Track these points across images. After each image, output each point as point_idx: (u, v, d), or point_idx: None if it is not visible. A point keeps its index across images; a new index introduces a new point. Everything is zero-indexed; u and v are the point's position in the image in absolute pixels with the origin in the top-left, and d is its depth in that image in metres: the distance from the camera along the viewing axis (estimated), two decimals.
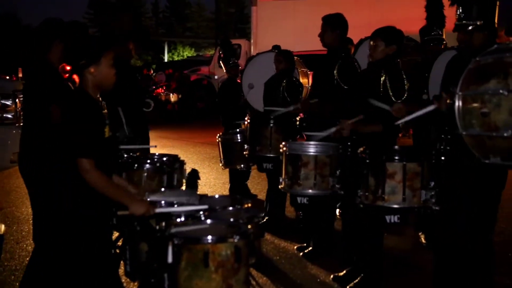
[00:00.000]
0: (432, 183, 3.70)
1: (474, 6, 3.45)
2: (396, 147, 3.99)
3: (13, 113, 6.92)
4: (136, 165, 4.33)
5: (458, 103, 2.86)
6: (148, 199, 3.39)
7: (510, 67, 2.59)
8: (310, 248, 5.27)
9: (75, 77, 3.23)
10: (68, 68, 3.61)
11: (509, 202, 7.14)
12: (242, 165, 6.45)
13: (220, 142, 6.81)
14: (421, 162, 3.70)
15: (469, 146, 2.88)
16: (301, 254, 5.27)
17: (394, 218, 3.76)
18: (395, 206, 3.71)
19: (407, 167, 3.69)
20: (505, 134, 2.55)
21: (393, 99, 4.10)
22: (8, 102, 6.99)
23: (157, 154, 4.93)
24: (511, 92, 2.50)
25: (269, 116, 5.64)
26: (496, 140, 2.62)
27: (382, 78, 4.16)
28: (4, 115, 6.88)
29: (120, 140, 4.75)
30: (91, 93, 3.22)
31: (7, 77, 14.04)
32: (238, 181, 7.22)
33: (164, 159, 4.55)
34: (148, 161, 4.41)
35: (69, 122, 3.15)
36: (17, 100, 6.88)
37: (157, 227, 3.28)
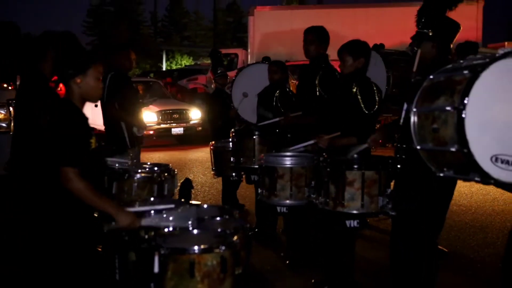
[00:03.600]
0: (389, 190, 3.89)
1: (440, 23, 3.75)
2: (355, 156, 4.14)
3: (7, 122, 6.96)
4: (126, 175, 4.35)
5: (413, 119, 2.97)
6: (133, 209, 3.39)
7: (457, 85, 2.68)
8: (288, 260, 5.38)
9: (62, 86, 3.25)
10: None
11: (500, 215, 7.26)
12: (234, 174, 6.45)
13: (212, 151, 6.86)
14: (379, 170, 3.87)
15: (424, 160, 2.98)
16: (287, 262, 5.36)
17: (354, 223, 3.95)
18: (354, 212, 3.88)
19: (366, 175, 3.85)
20: (452, 149, 2.64)
21: (365, 110, 4.25)
22: (3, 111, 7.03)
23: (148, 163, 4.96)
24: (455, 109, 2.60)
25: (253, 128, 5.73)
26: (447, 155, 2.72)
27: (354, 90, 4.30)
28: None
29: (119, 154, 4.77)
30: (77, 104, 3.23)
31: (5, 85, 14.06)
32: (229, 190, 7.24)
33: (155, 168, 4.58)
34: (139, 170, 4.43)
35: (54, 130, 3.15)
36: (11, 109, 6.92)
37: (146, 237, 3.30)
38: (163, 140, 15.41)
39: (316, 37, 5.21)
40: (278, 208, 4.53)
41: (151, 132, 14.23)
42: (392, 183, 4.00)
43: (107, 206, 3.16)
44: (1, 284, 4.59)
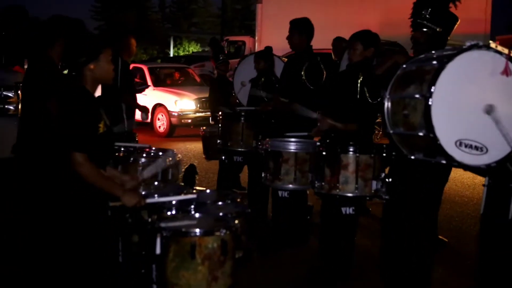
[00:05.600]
0: (383, 174, 3.98)
1: (443, 16, 3.86)
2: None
3: (15, 105, 7.03)
4: (131, 159, 4.42)
5: (387, 104, 3.15)
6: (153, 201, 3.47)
7: (426, 74, 2.85)
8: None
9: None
10: None
11: None
12: (223, 157, 6.58)
13: (202, 136, 7.03)
14: (373, 154, 3.97)
15: (397, 143, 3.14)
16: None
17: (349, 210, 4.08)
18: (349, 194, 3.98)
19: (360, 159, 3.96)
20: (420, 134, 2.83)
21: (370, 100, 4.31)
22: (10, 94, 7.10)
23: (153, 148, 5.03)
24: (423, 97, 2.79)
25: (240, 113, 5.93)
26: (416, 139, 2.91)
27: (360, 80, 4.37)
28: (6, 107, 7.00)
29: (118, 134, 4.87)
30: (90, 89, 3.31)
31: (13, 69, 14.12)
32: (229, 172, 7.30)
33: (160, 153, 4.65)
34: (144, 155, 4.50)
35: (64, 116, 3.23)
36: (19, 92, 6.99)
37: (149, 220, 3.37)
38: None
39: (299, 29, 5.36)
40: (280, 192, 4.63)
41: (189, 120, 13.78)
42: (387, 169, 4.08)
43: (114, 188, 3.25)
44: (1, 284, 4.66)
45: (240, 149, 5.91)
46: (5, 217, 6.17)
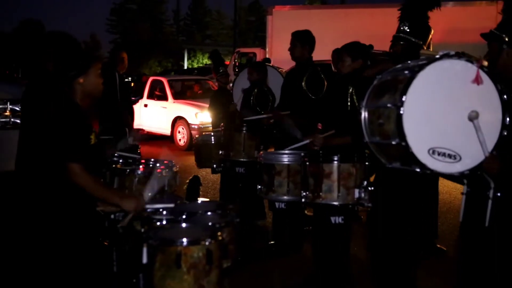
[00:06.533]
0: (365, 182, 4.04)
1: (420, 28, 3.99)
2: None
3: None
4: (128, 170, 4.49)
5: (363, 114, 3.19)
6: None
7: (399, 83, 2.88)
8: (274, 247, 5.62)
9: None
10: None
11: None
12: (214, 166, 6.73)
13: (195, 144, 7.16)
14: (354, 163, 4.04)
15: (374, 152, 3.17)
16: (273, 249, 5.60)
17: (338, 219, 4.16)
18: (333, 203, 4.05)
19: (342, 168, 4.04)
20: (393, 142, 2.86)
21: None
22: (17, 108, 7.23)
23: (152, 160, 5.11)
24: (395, 106, 2.82)
25: (243, 123, 6.03)
26: (391, 147, 2.93)
27: (349, 91, 4.43)
28: (12, 120, 7.14)
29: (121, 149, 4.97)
30: (80, 103, 3.40)
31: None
32: (231, 183, 7.36)
33: (157, 164, 4.72)
34: (140, 166, 4.57)
35: (59, 129, 3.33)
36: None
37: (142, 230, 3.44)
38: None
39: (301, 40, 5.48)
40: (277, 204, 4.71)
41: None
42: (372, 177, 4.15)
43: (112, 196, 3.35)
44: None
45: (242, 159, 5.98)
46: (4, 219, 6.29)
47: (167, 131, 14.29)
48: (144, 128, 14.96)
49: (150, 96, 15.12)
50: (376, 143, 3.11)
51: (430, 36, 4.03)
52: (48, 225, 3.45)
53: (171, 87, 14.89)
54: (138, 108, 14.68)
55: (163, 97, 14.73)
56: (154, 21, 53.14)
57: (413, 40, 3.93)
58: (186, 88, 16.10)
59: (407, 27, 3.93)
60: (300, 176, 4.41)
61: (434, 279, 4.93)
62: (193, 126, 13.45)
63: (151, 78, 15.95)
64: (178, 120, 13.97)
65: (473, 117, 2.76)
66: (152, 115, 14.83)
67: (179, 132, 13.97)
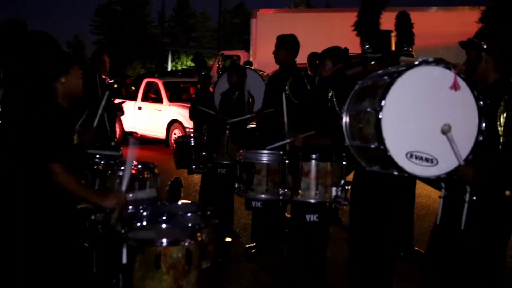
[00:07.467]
0: (342, 181, 4.13)
1: (378, 41, 4.16)
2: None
3: None
4: (109, 172, 4.50)
5: (345, 118, 3.26)
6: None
7: (378, 89, 2.95)
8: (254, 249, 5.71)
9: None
10: None
11: None
12: (193, 167, 6.75)
13: (175, 144, 7.16)
14: (332, 162, 4.14)
15: (355, 156, 3.24)
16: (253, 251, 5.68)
17: (313, 217, 4.27)
18: (310, 200, 4.14)
19: (320, 166, 4.13)
20: (372, 146, 2.92)
21: (340, 114, 4.35)
22: None
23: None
24: (374, 111, 2.88)
25: (226, 125, 6.05)
26: (370, 151, 3.00)
27: (330, 94, 4.52)
28: None
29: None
30: (61, 102, 3.42)
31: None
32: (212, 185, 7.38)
33: (138, 166, 4.73)
34: (122, 167, 4.57)
35: (39, 129, 3.33)
36: None
37: (123, 231, 3.45)
38: None
39: (285, 44, 5.54)
40: (253, 203, 4.76)
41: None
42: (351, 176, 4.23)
43: (92, 196, 3.38)
44: None
45: (224, 161, 6.03)
46: None
47: (162, 134, 13.93)
48: (138, 131, 14.69)
49: (145, 99, 14.74)
50: (356, 146, 3.17)
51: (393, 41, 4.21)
52: (29, 225, 3.45)
53: (166, 89, 14.44)
54: (131, 110, 14.38)
55: (158, 100, 14.33)
56: (139, 23, 52.92)
57: (379, 55, 4.06)
58: (181, 90, 15.52)
59: (369, 48, 4.07)
60: (279, 175, 4.46)
61: (412, 280, 4.99)
62: (189, 129, 13.04)
63: (145, 80, 15.52)
64: (173, 123, 13.64)
65: (445, 130, 2.83)
66: (147, 118, 14.52)
67: (174, 135, 13.58)
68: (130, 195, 3.72)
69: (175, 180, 7.15)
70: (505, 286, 3.68)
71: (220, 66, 20.09)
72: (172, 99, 14.24)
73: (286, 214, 6.05)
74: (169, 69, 43.02)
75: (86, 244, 3.85)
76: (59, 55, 3.55)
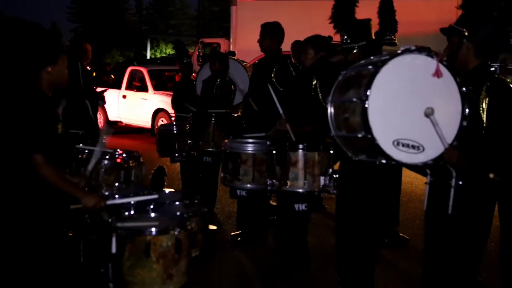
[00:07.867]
0: (330, 170, 4.15)
1: (357, 31, 4.15)
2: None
3: None
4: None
5: (330, 109, 3.27)
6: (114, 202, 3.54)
7: (363, 78, 2.97)
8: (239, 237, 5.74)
9: None
10: None
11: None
12: (176, 155, 6.80)
13: (157, 133, 7.18)
14: (319, 151, 4.15)
15: (341, 146, 3.25)
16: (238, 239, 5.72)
17: (302, 207, 4.32)
18: (299, 190, 4.14)
19: (307, 156, 4.14)
20: (359, 135, 2.94)
21: (323, 102, 4.44)
22: None
23: (118, 150, 5.09)
24: (360, 100, 2.90)
25: (211, 114, 6.07)
26: (357, 140, 3.01)
27: (313, 82, 4.54)
28: None
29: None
30: (46, 91, 3.39)
31: None
32: (197, 173, 7.39)
33: (124, 155, 4.72)
34: (107, 157, 4.56)
35: (22, 119, 3.30)
36: None
37: (110, 220, 3.44)
38: None
39: (270, 32, 5.50)
40: (238, 192, 4.78)
41: None
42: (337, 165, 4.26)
43: (73, 189, 3.36)
44: None
45: (210, 149, 6.05)
46: None
47: (147, 123, 13.69)
48: (122, 120, 14.49)
49: (129, 87, 14.49)
50: (342, 136, 3.18)
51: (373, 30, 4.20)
52: (14, 216, 3.43)
53: (151, 77, 14.18)
54: (115, 99, 14.18)
55: (143, 88, 14.09)
56: (117, 10, 52.34)
57: (363, 43, 4.07)
58: (167, 79, 15.13)
59: (348, 38, 4.08)
60: (266, 165, 4.48)
61: (401, 266, 5.10)
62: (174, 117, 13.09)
63: (129, 68, 15.27)
64: (159, 112, 13.39)
65: (428, 113, 2.86)
66: (131, 107, 14.28)
67: (161, 124, 12.97)
68: (88, 168, 3.69)
69: (158, 168, 7.14)
70: (487, 270, 3.78)
71: (201, 54, 19.97)
72: (157, 87, 14.04)
73: (271, 202, 6.08)
74: (148, 57, 42.68)
75: (70, 234, 3.85)
76: (47, 43, 3.52)
